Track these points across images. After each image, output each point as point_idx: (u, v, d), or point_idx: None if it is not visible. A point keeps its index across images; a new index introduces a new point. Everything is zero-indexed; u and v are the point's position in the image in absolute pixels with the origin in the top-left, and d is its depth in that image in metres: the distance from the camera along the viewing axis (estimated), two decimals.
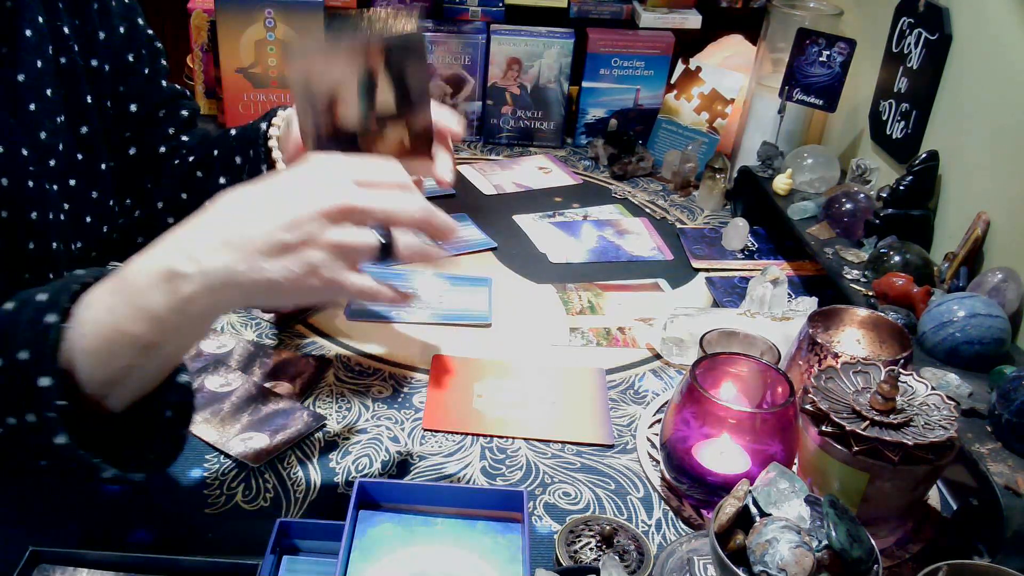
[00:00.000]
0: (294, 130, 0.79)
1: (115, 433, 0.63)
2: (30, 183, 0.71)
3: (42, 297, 0.59)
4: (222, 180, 0.82)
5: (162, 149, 0.86)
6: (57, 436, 0.58)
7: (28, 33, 0.72)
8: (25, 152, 0.71)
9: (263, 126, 0.81)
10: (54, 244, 0.75)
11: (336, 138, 0.67)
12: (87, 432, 0.60)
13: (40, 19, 0.73)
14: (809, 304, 0.99)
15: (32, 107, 0.72)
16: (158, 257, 0.59)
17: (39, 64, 0.73)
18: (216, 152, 0.84)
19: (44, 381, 0.57)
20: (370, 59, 0.66)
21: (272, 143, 0.80)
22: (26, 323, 0.58)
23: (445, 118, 0.69)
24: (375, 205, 0.59)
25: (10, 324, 0.58)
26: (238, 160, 0.81)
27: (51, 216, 0.74)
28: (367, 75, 0.66)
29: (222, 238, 0.58)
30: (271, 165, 0.80)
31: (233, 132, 0.85)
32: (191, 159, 0.85)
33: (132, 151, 0.84)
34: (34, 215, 0.72)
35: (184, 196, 0.84)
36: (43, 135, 0.73)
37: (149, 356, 0.61)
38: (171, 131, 0.87)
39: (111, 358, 0.59)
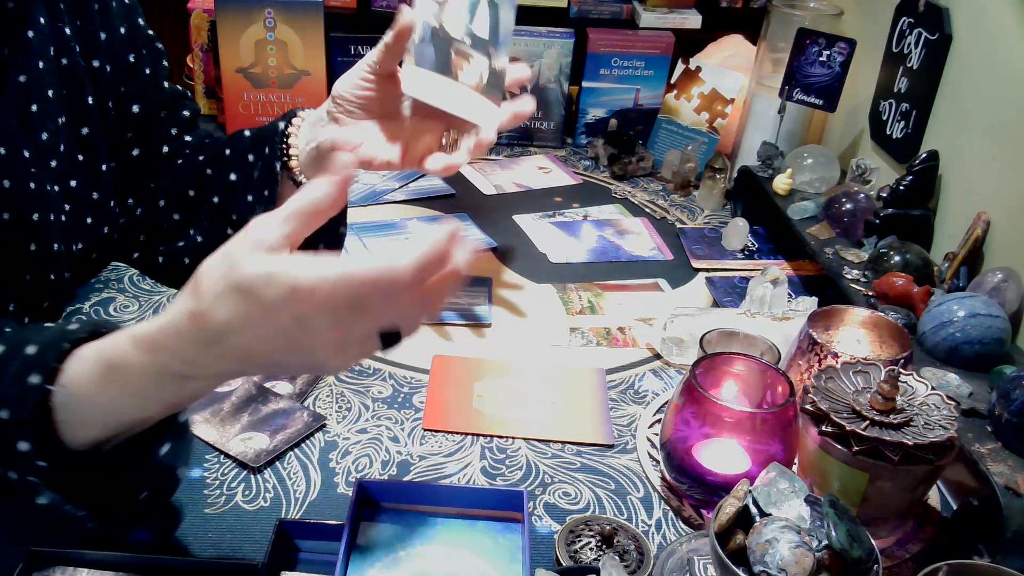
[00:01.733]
0: (317, 134, 0.77)
1: (100, 477, 0.61)
2: (32, 184, 0.71)
3: (30, 351, 0.57)
4: (232, 176, 0.81)
5: (164, 149, 0.86)
6: (39, 497, 0.57)
7: (30, 34, 0.72)
8: (27, 153, 0.71)
9: (281, 125, 0.81)
10: (55, 245, 0.75)
11: (437, 37, 0.73)
12: (73, 480, 0.59)
13: (42, 20, 0.73)
14: (809, 304, 0.99)
15: (34, 108, 0.72)
16: (161, 362, 0.56)
17: (41, 65, 0.73)
18: (228, 151, 0.84)
19: (23, 446, 0.56)
20: None
21: (292, 140, 0.79)
22: (11, 379, 0.56)
23: (516, 69, 0.75)
24: (378, 328, 0.56)
25: None
26: (251, 158, 0.80)
27: (52, 217, 0.74)
28: None
29: (227, 352, 0.55)
30: (286, 164, 0.79)
31: (248, 132, 0.84)
32: (200, 158, 0.85)
33: (135, 152, 0.84)
34: (36, 216, 0.72)
35: (192, 193, 0.84)
36: (44, 136, 0.73)
37: (147, 424, 0.60)
38: (173, 132, 0.87)
39: (107, 431, 0.59)
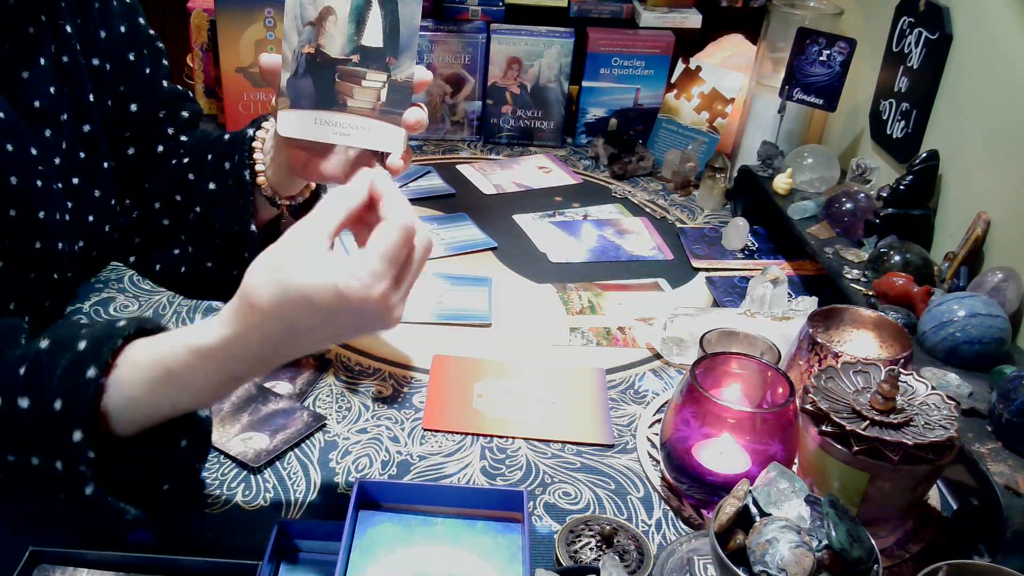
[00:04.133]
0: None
1: (131, 469, 0.64)
2: (38, 182, 0.71)
3: (82, 346, 0.60)
4: (212, 186, 0.79)
5: (159, 149, 0.85)
6: (87, 487, 0.59)
7: (31, 31, 0.72)
8: (34, 151, 0.71)
9: (250, 131, 0.80)
10: (60, 244, 0.75)
11: (315, 65, 0.65)
12: (109, 473, 0.61)
13: (43, 18, 0.73)
14: (809, 304, 0.99)
15: (37, 104, 0.72)
16: (226, 369, 0.61)
17: (42, 62, 0.73)
18: (209, 156, 0.83)
19: (77, 435, 0.58)
20: None
21: (257, 144, 0.79)
22: (64, 371, 0.59)
23: (419, 71, 0.66)
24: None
25: (46, 367, 0.59)
26: (227, 165, 0.80)
27: (57, 216, 0.74)
28: None
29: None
30: (253, 171, 0.78)
31: (227, 136, 0.84)
32: (186, 160, 0.85)
33: (131, 151, 0.84)
34: (42, 214, 0.72)
35: (178, 198, 0.84)
36: (48, 133, 0.73)
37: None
38: (170, 131, 0.87)
39: (152, 421, 0.63)
